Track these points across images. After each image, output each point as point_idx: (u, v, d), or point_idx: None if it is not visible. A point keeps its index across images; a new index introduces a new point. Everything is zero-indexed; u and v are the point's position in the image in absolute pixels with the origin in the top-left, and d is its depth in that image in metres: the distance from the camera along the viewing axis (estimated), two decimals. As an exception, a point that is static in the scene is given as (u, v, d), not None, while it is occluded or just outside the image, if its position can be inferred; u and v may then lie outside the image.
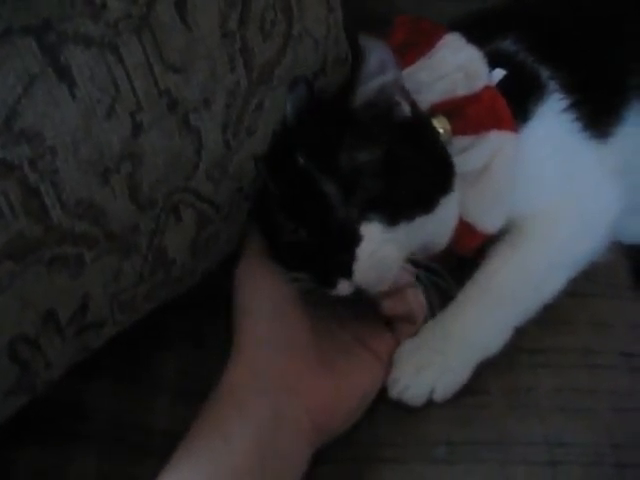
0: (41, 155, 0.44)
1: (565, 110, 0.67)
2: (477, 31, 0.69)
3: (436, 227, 0.60)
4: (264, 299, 0.57)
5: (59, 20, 0.44)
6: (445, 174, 0.61)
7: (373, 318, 0.61)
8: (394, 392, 0.59)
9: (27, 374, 0.50)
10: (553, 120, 0.67)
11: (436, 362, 0.60)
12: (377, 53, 0.59)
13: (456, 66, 0.65)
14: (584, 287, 0.67)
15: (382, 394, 0.59)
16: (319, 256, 0.55)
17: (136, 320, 0.57)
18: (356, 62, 0.59)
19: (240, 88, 0.54)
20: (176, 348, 0.62)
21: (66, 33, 0.44)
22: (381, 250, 0.55)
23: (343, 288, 0.55)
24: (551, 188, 0.66)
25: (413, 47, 0.66)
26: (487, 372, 0.61)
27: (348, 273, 0.55)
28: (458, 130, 0.63)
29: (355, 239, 0.55)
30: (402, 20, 0.69)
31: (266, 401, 0.52)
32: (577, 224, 0.66)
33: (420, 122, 0.62)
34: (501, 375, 0.61)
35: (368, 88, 0.59)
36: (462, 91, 0.64)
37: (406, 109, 0.61)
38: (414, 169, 0.58)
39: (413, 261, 0.58)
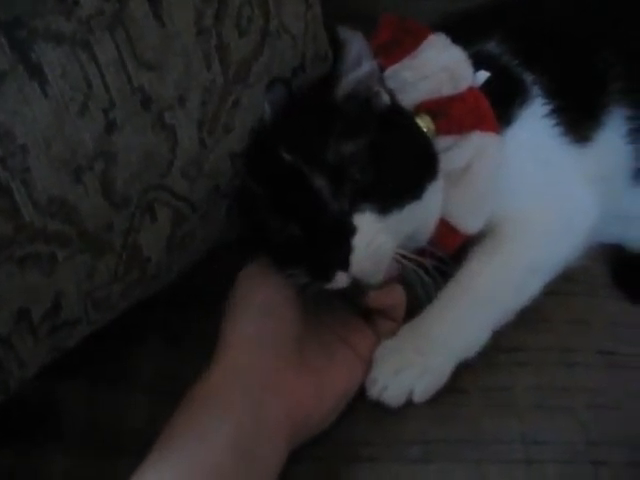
0: (12, 153, 0.44)
1: (547, 115, 0.67)
2: (462, 32, 0.69)
3: (423, 215, 0.61)
4: (254, 297, 0.57)
5: (30, 17, 0.44)
6: (429, 160, 0.61)
7: (355, 316, 0.62)
8: (373, 392, 0.59)
9: (0, 373, 0.49)
10: (535, 124, 0.67)
11: (415, 363, 0.60)
12: (356, 43, 0.59)
13: (441, 66, 0.65)
14: (563, 286, 0.67)
15: (359, 392, 0.59)
16: (313, 250, 0.55)
17: (111, 318, 0.57)
18: (336, 55, 0.59)
19: (216, 85, 0.54)
20: (151, 347, 0.62)
21: (37, 30, 0.44)
22: (376, 239, 0.56)
23: (340, 280, 0.56)
24: (531, 192, 0.66)
25: (398, 46, 0.66)
26: (464, 371, 0.61)
27: (345, 265, 0.55)
28: (441, 130, 0.63)
29: (349, 231, 0.55)
30: (387, 19, 0.69)
31: (246, 400, 0.52)
32: (556, 228, 0.66)
33: (400, 111, 0.62)
34: (478, 374, 0.61)
35: (348, 80, 0.59)
36: (446, 91, 0.64)
37: (385, 98, 0.61)
38: (400, 157, 0.59)
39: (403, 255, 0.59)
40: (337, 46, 0.59)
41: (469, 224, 0.64)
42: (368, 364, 0.60)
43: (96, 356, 0.59)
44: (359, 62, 0.60)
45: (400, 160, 0.59)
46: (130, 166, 0.50)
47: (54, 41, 0.44)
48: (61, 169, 0.46)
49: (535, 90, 0.67)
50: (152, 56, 0.49)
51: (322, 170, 0.55)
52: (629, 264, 0.72)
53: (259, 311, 0.56)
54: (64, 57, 0.45)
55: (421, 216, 0.60)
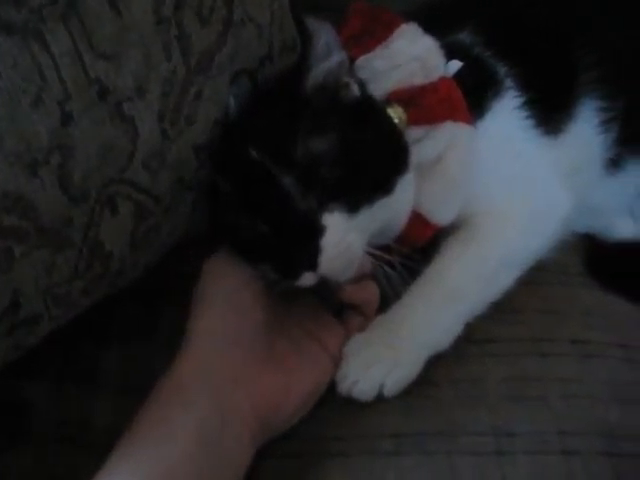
0: (-37, 147, 0.43)
1: (519, 107, 0.67)
2: (434, 21, 0.69)
3: (394, 209, 0.60)
4: (220, 291, 0.56)
5: (-22, 6, 0.43)
6: (400, 153, 0.60)
7: (324, 311, 0.61)
8: (343, 387, 0.58)
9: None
10: (507, 116, 0.67)
11: (386, 357, 0.59)
12: (324, 34, 0.58)
13: (412, 56, 0.64)
14: (536, 276, 0.67)
15: (329, 387, 0.58)
16: (282, 249, 0.55)
17: (78, 315, 0.56)
18: (304, 46, 0.58)
19: (177, 76, 0.53)
20: (119, 343, 0.61)
21: (-14, 20, 0.43)
22: (345, 239, 0.55)
23: (307, 279, 0.55)
24: (503, 184, 0.66)
25: (369, 36, 0.65)
26: (435, 363, 0.60)
27: (313, 266, 0.54)
28: (413, 120, 0.62)
29: (318, 230, 0.54)
30: (358, 7, 0.68)
31: (211, 396, 0.51)
32: (528, 222, 0.66)
33: (370, 102, 0.61)
34: (450, 366, 0.61)
35: (317, 72, 0.58)
36: (418, 81, 0.64)
37: (355, 89, 0.60)
38: (370, 151, 0.58)
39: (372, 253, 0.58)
40: (305, 37, 0.58)
41: (441, 215, 0.63)
42: (337, 360, 0.59)
43: (64, 353, 0.59)
44: (328, 53, 0.58)
45: (370, 155, 0.58)
46: (88, 159, 0.49)
47: (4, 31, 0.43)
48: (15, 163, 0.45)
49: (508, 82, 0.67)
50: (109, 46, 0.48)
51: (290, 169, 0.54)
52: (602, 253, 0.72)
53: (224, 304, 0.55)
54: (15, 48, 0.44)
55: (392, 210, 0.60)
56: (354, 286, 0.59)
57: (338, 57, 0.59)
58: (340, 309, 0.62)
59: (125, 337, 0.62)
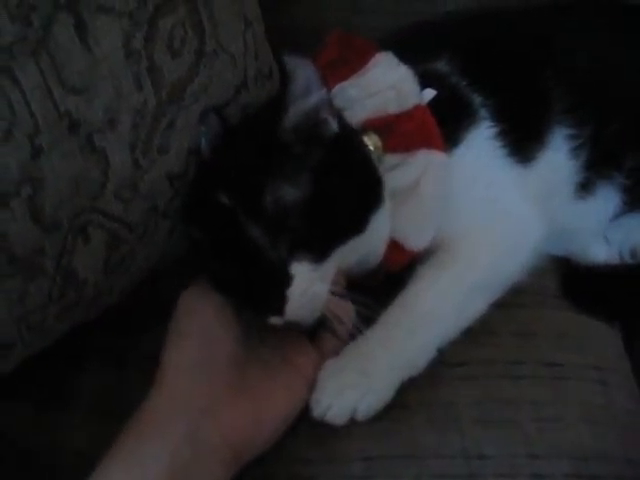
0: None
1: (493, 137, 0.67)
2: (411, 49, 0.70)
3: (370, 244, 0.61)
4: (194, 324, 0.57)
5: (-51, 44, 0.44)
6: (374, 189, 0.61)
7: (299, 336, 0.61)
8: (317, 412, 0.59)
9: None
10: (481, 146, 0.67)
11: (359, 383, 0.59)
12: (303, 74, 0.57)
13: (388, 85, 0.65)
14: (510, 297, 0.67)
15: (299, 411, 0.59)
16: (250, 293, 0.56)
17: (52, 341, 0.57)
18: (282, 86, 0.58)
19: (148, 107, 0.54)
20: (94, 369, 0.62)
21: (-43, 57, 0.44)
22: (311, 289, 0.56)
23: (275, 320, 0.56)
24: (476, 211, 0.67)
25: (345, 64, 0.66)
26: (407, 386, 0.61)
27: (280, 312, 0.55)
28: (389, 147, 0.63)
29: (285, 281, 0.55)
30: (334, 36, 0.69)
31: (183, 427, 0.52)
32: (501, 248, 0.66)
33: (348, 136, 0.62)
34: (421, 389, 0.61)
35: (294, 112, 0.58)
36: (393, 109, 0.64)
37: (333, 125, 0.60)
38: (343, 194, 0.58)
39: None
40: (283, 77, 0.58)
41: (416, 242, 0.64)
42: (312, 384, 0.59)
43: (39, 378, 0.60)
44: (306, 92, 0.58)
45: (343, 198, 0.58)
46: (59, 190, 0.50)
47: (-26, 69, 0.45)
48: (-14, 195, 0.47)
49: (482, 112, 0.68)
50: (78, 80, 0.49)
51: (259, 218, 0.55)
52: (577, 276, 0.73)
53: (198, 335, 0.56)
54: (-15, 84, 0.45)
55: (367, 245, 0.60)
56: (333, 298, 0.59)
57: (317, 96, 0.59)
58: (314, 332, 0.63)
59: (100, 363, 0.62)
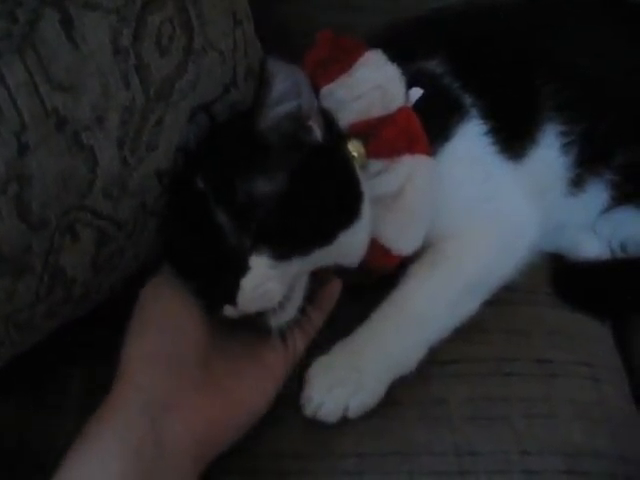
0: None
1: (483, 134, 0.67)
2: (403, 47, 0.69)
3: (338, 255, 0.60)
4: (153, 316, 0.56)
5: None
6: (351, 205, 0.60)
7: (269, 333, 0.59)
8: (308, 410, 0.59)
9: None
10: (473, 141, 0.67)
11: (350, 380, 0.59)
12: (289, 76, 0.57)
13: (374, 85, 0.65)
14: (502, 295, 0.67)
15: (292, 405, 0.59)
16: (206, 279, 0.56)
17: (40, 338, 0.57)
18: (260, 86, 0.57)
19: (136, 104, 0.54)
20: (83, 365, 0.62)
21: (-59, 54, 0.44)
22: (264, 285, 0.55)
23: (228, 311, 0.56)
24: (470, 209, 0.66)
25: (333, 64, 0.66)
26: (399, 384, 0.61)
27: (232, 301, 0.55)
28: (372, 153, 0.63)
29: (242, 270, 0.55)
30: (324, 36, 0.69)
31: (145, 422, 0.51)
32: (497, 248, 0.66)
33: (332, 147, 0.61)
34: (413, 387, 0.61)
35: (272, 114, 0.57)
36: (377, 112, 0.64)
37: (317, 134, 0.59)
38: (317, 202, 0.57)
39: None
40: (263, 77, 0.57)
41: (403, 246, 0.64)
42: (280, 381, 0.58)
43: (27, 375, 0.59)
44: (287, 98, 0.58)
45: (316, 206, 0.57)
46: (47, 188, 0.50)
47: (-41, 66, 0.44)
48: (-27, 193, 0.46)
49: (473, 111, 0.67)
50: (65, 77, 0.49)
51: (228, 207, 0.55)
52: (568, 272, 0.73)
53: (159, 328, 0.56)
54: (-29, 81, 0.45)
55: (334, 257, 0.60)
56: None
57: (305, 101, 0.58)
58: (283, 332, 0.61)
59: (90, 360, 0.62)
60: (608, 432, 0.62)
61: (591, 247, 0.72)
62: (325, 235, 0.58)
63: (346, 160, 0.61)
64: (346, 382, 0.59)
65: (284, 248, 0.56)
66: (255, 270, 0.55)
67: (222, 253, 0.55)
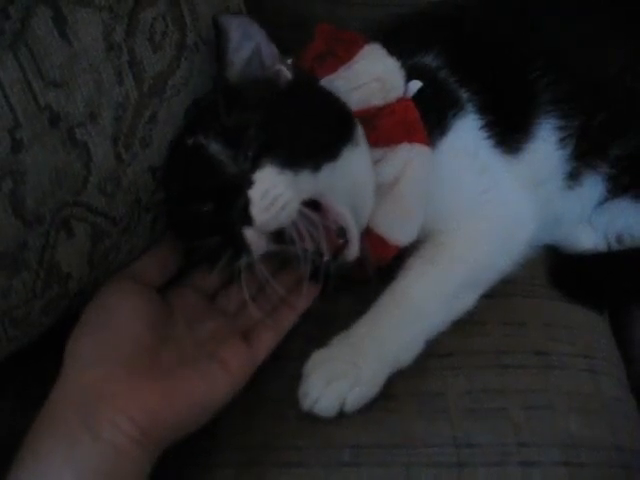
0: None
1: (480, 128, 0.68)
2: (401, 40, 0.70)
3: (349, 179, 0.61)
4: (92, 311, 0.57)
5: None
6: (342, 122, 0.62)
7: (232, 332, 0.61)
8: (305, 405, 0.59)
9: None
10: (468, 135, 0.67)
11: (347, 374, 0.59)
12: (241, 24, 0.61)
13: (373, 77, 0.65)
14: (499, 287, 0.67)
15: (289, 398, 0.59)
16: (220, 217, 0.56)
17: (37, 334, 0.57)
18: (219, 40, 0.60)
19: (130, 100, 0.54)
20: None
21: None
22: (273, 190, 0.56)
23: (253, 240, 0.56)
24: (469, 201, 0.67)
25: (332, 56, 0.67)
26: (396, 377, 0.61)
27: (247, 219, 0.55)
28: (371, 142, 0.63)
29: (247, 185, 0.56)
30: (322, 29, 0.69)
31: (80, 416, 0.51)
32: (494, 242, 0.66)
33: (305, 81, 0.64)
34: (410, 380, 0.61)
35: (240, 57, 0.61)
36: (376, 102, 0.65)
37: (286, 74, 0.63)
38: (304, 118, 0.60)
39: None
40: (219, 34, 0.60)
41: (399, 236, 0.64)
42: (237, 380, 0.58)
43: (25, 373, 0.59)
44: (244, 43, 0.61)
45: (305, 121, 0.60)
46: (41, 184, 0.50)
47: (-48, 63, 0.45)
48: (-33, 190, 0.46)
49: (469, 106, 0.68)
50: (58, 74, 0.49)
51: (217, 135, 0.57)
52: (565, 264, 0.73)
53: (97, 322, 0.56)
54: (-37, 78, 0.45)
55: (346, 180, 0.60)
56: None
57: (263, 44, 0.62)
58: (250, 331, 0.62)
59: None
60: (605, 423, 0.62)
61: (587, 239, 0.72)
62: (326, 147, 0.59)
63: (323, 89, 0.64)
64: (344, 376, 0.59)
65: (283, 155, 0.57)
66: (259, 180, 0.56)
67: (226, 188, 0.56)
